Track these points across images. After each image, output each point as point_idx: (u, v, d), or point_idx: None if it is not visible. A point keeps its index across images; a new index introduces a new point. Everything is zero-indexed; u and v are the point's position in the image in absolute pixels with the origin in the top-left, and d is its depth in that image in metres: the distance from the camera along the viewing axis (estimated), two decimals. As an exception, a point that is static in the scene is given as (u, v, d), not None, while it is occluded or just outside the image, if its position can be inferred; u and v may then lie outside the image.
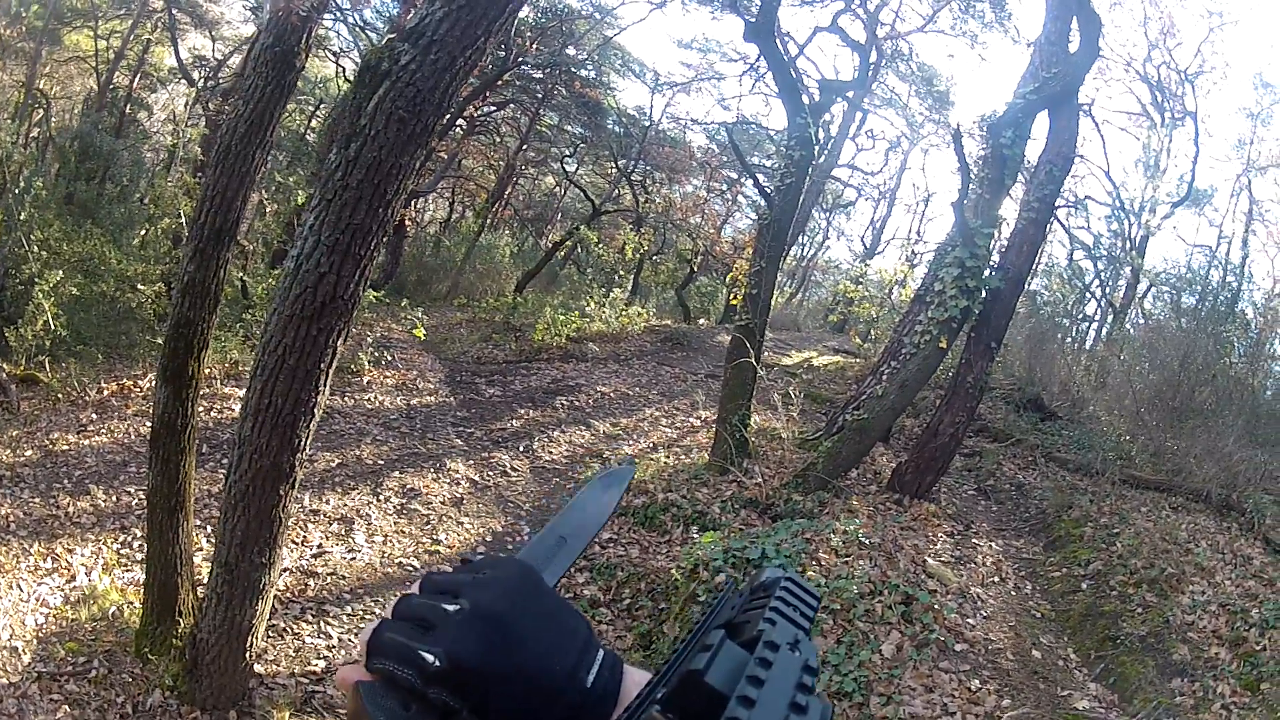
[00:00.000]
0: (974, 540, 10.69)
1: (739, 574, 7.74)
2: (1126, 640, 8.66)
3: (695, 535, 9.38)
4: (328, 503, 9.44)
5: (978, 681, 7.27)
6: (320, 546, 8.54)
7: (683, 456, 12.63)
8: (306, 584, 7.84)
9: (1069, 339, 23.09)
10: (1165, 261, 29.86)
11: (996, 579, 9.73)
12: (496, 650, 0.79)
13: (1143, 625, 8.86)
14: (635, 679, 0.85)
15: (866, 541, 8.47)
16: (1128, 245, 25.22)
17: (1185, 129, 25.26)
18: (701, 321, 24.45)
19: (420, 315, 15.66)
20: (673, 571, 8.16)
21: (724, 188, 26.97)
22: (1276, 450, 14.35)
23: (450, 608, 0.82)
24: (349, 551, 8.57)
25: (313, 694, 6.33)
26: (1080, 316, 25.28)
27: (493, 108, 23.95)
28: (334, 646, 6.97)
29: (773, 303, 12.42)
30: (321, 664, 6.70)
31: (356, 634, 6.85)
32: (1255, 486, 12.77)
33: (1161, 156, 25.18)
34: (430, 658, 0.77)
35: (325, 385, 5.23)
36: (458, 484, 10.67)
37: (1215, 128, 40.50)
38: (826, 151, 26.45)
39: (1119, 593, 9.55)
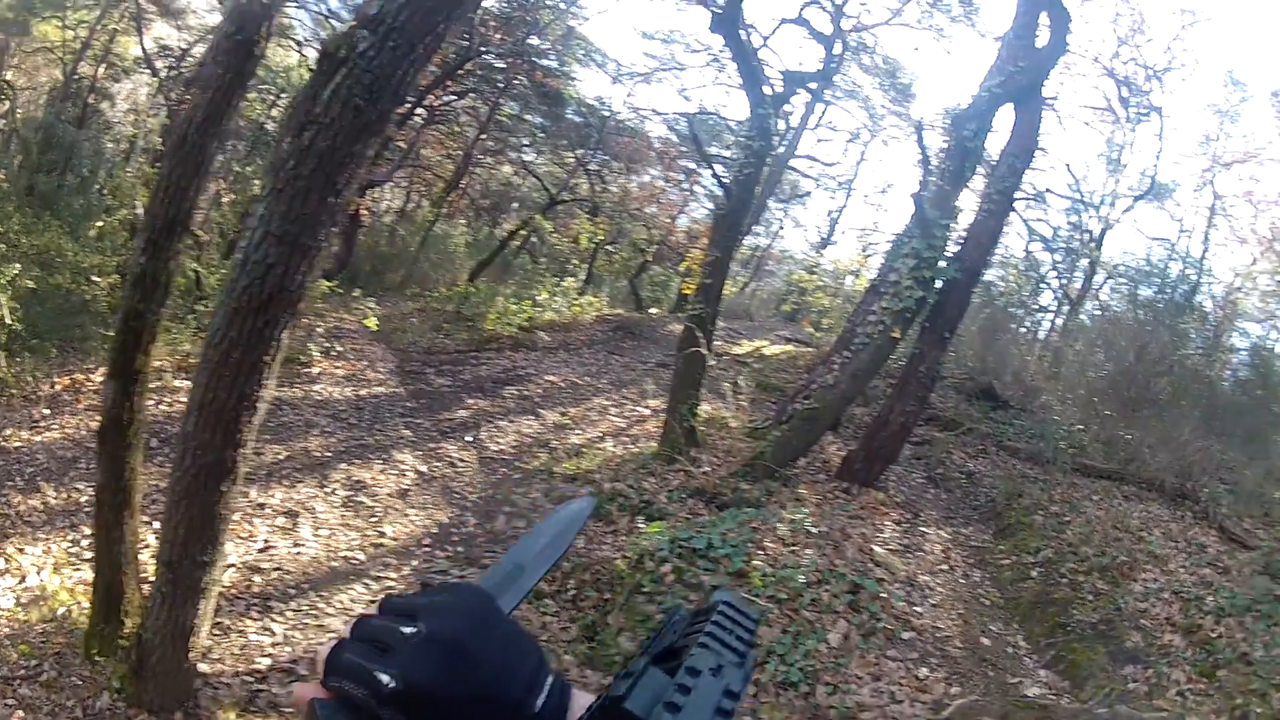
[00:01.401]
0: (922, 528, 10.77)
1: (684, 564, 7.74)
2: (1077, 627, 8.74)
3: (641, 525, 9.33)
4: (274, 496, 9.32)
5: (926, 669, 7.35)
6: (266, 541, 8.41)
7: (630, 446, 12.63)
8: (252, 580, 7.72)
9: (1023, 329, 23.29)
10: (1124, 254, 29.98)
11: (945, 567, 9.81)
12: (450, 674, 0.81)
13: (1094, 613, 8.94)
14: (581, 703, 0.86)
15: (814, 530, 8.50)
16: (1086, 237, 25.36)
17: (1150, 124, 25.47)
18: (653, 310, 24.50)
19: (372, 305, 15.67)
20: (618, 562, 8.15)
21: (681, 178, 26.93)
22: (1233, 441, 14.59)
23: (407, 630, 0.83)
24: (295, 546, 8.44)
25: (257, 693, 6.24)
26: (1035, 307, 25.54)
27: (453, 96, 23.80)
28: (279, 643, 6.86)
29: (726, 292, 12.42)
30: (266, 661, 6.58)
31: (301, 630, 6.95)
32: (1211, 476, 12.89)
33: (1125, 152, 25.37)
34: (386, 679, 0.79)
35: (270, 379, 5.16)
36: (404, 475, 10.58)
37: (1181, 123, 40.71)
38: (786, 142, 26.47)
39: (1069, 580, 9.64)
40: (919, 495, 12.38)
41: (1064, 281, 25.80)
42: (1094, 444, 14.70)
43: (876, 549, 9.03)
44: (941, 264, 11.13)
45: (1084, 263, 24.86)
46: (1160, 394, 15.28)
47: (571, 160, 25.81)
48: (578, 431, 13.31)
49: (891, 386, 12.53)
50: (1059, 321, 25.30)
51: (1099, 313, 22.13)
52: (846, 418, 13.75)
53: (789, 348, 21.25)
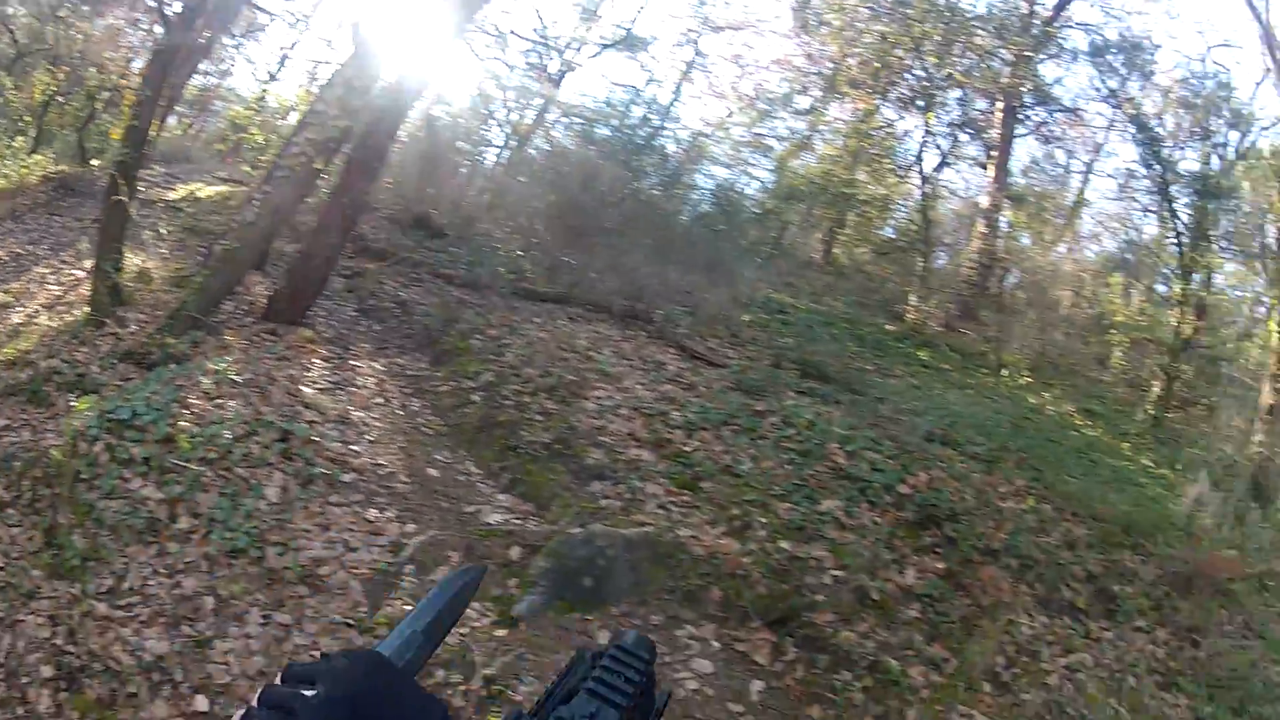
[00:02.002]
0: (353, 363, 10.42)
1: (114, 439, 7.03)
2: (529, 449, 8.67)
3: (76, 403, 8.34)
4: None
5: (375, 510, 7.17)
6: None
7: (65, 315, 11.29)
8: None
9: (466, 162, 23.59)
10: (582, 96, 31.16)
11: (380, 400, 9.57)
12: None
13: (545, 433, 8.89)
14: None
15: (239, 379, 8.02)
16: (544, 77, 25.90)
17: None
18: (95, 162, 22.01)
19: None
20: (54, 451, 7.27)
21: (141, 17, 24.79)
22: (693, 269, 15.52)
23: (308, 693, 0.86)
24: None
25: None
26: (481, 141, 25.94)
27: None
28: None
29: (169, 135, 11.53)
30: None
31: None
32: (666, 299, 13.59)
33: (603, 3, 26.02)
34: None
35: None
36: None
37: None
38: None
39: (515, 402, 9.51)
40: (350, 329, 11.94)
41: (514, 119, 26.35)
42: (536, 269, 15.07)
43: (305, 390, 8.64)
44: (372, 92, 10.86)
45: (537, 101, 25.45)
46: (608, 223, 15.89)
47: (47, 10, 23.00)
48: (19, 309, 11.79)
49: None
50: (506, 156, 25.90)
51: (548, 148, 22.83)
52: (277, 255, 13.07)
53: (225, 189, 19.96)
